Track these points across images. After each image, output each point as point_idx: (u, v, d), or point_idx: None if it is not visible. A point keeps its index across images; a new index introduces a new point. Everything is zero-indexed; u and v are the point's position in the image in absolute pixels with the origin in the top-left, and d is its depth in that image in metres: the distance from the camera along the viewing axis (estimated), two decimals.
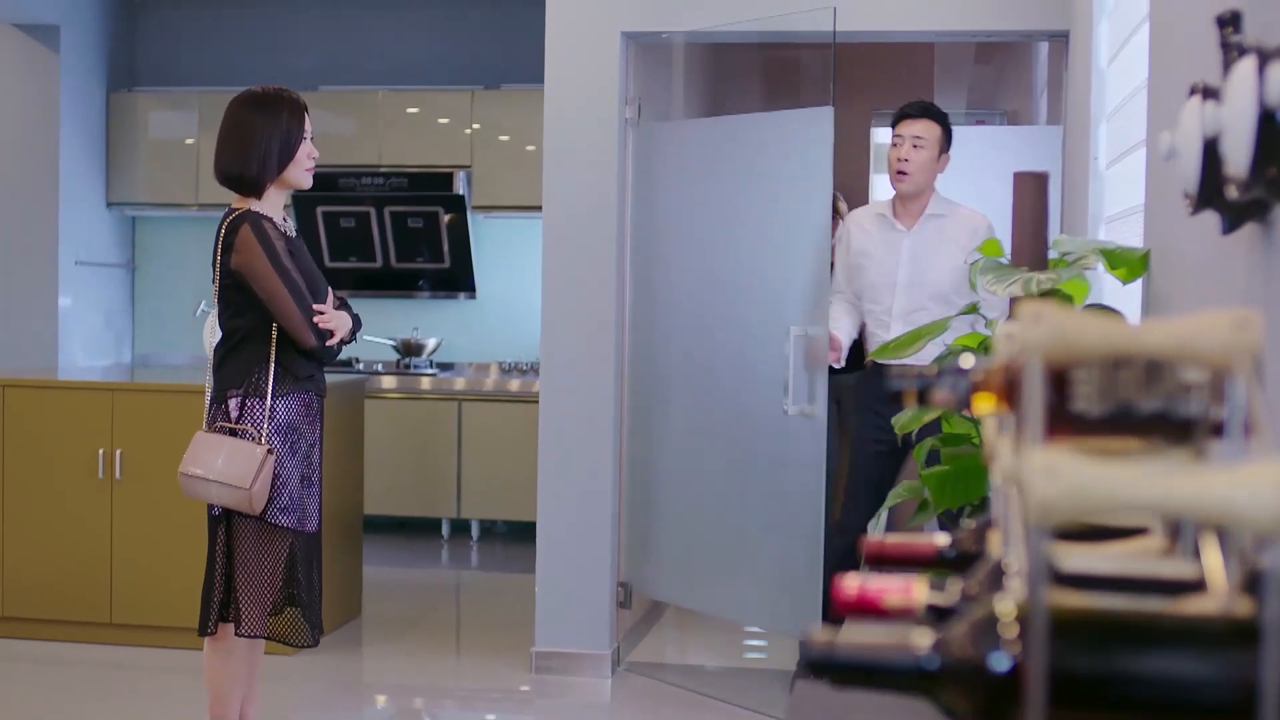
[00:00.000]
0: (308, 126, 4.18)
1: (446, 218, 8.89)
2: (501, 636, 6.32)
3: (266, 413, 4.05)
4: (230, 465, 4.00)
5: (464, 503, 8.59)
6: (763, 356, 5.31)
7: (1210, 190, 2.09)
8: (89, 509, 6.02)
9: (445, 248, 8.98)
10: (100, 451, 5.99)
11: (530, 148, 8.41)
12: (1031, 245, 3.35)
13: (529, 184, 7.78)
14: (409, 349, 8.96)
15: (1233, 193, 1.84)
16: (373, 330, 9.02)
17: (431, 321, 9.18)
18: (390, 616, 6.80)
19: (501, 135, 8.77)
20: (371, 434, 8.50)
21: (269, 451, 4.01)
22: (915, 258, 5.09)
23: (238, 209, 4.12)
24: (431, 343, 8.97)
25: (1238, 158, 1.75)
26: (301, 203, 8.67)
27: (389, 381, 8.71)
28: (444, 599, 7.70)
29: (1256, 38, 2.10)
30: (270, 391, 4.05)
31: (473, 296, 9.08)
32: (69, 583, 6.05)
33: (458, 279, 9.06)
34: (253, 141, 4.10)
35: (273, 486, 4.04)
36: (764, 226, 5.37)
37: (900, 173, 5.12)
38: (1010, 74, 8.50)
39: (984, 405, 1.31)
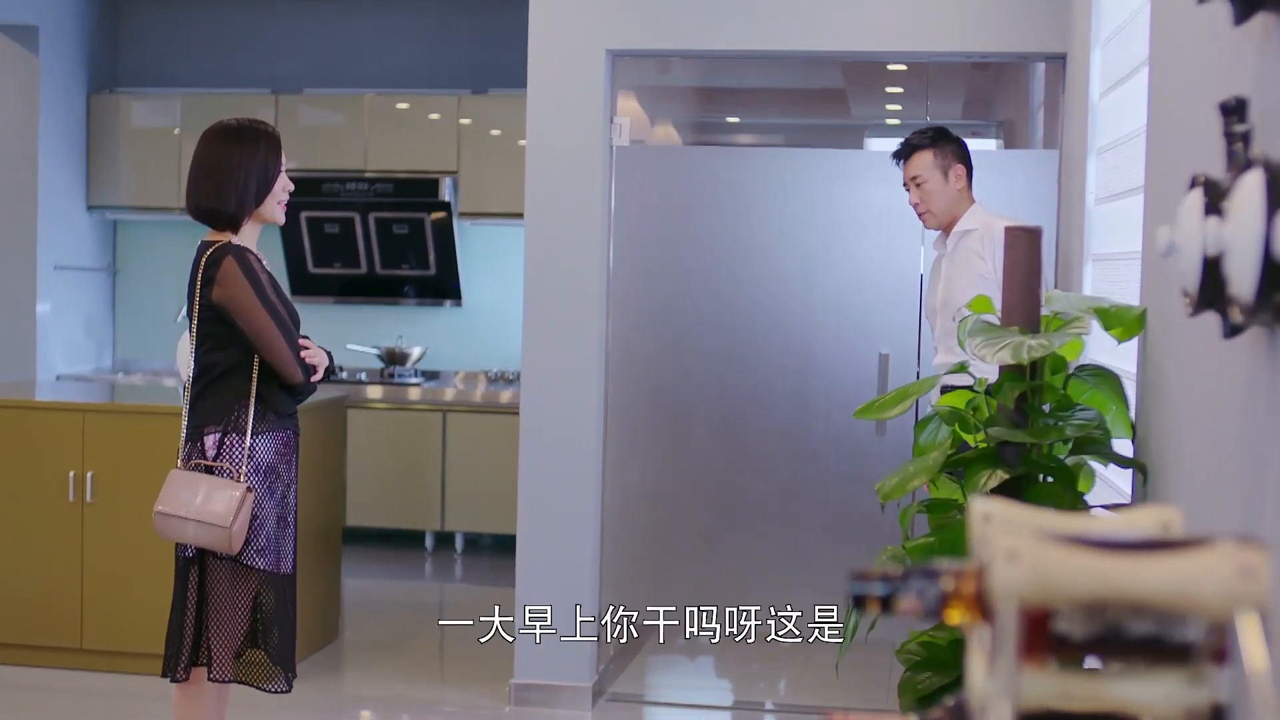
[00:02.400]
0: (283, 160, 4.04)
1: (432, 224, 8.73)
2: (482, 663, 6.18)
3: (246, 450, 3.92)
4: (209, 504, 3.86)
5: (448, 515, 8.46)
6: (851, 378, 5.59)
7: (1211, 293, 1.95)
8: (59, 532, 5.88)
9: (431, 254, 8.83)
10: (71, 473, 5.84)
11: (521, 142, 8.25)
12: (1023, 303, 3.21)
13: (516, 190, 7.62)
14: (393, 358, 8.81)
15: (1237, 316, 1.70)
16: (356, 338, 8.89)
17: (416, 329, 9.03)
18: (369, 641, 6.67)
19: (489, 141, 8.62)
20: (354, 444, 8.37)
21: (248, 489, 3.89)
22: (948, 278, 4.87)
23: (216, 241, 3.98)
24: (416, 351, 8.83)
25: (1243, 282, 1.62)
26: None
27: (373, 391, 8.57)
28: (425, 619, 7.56)
29: (1260, 132, 1.96)
30: (251, 429, 3.92)
31: (459, 304, 8.93)
32: (38, 607, 5.91)
33: (443, 286, 8.92)
34: (229, 176, 3.96)
35: (249, 527, 3.92)
36: (855, 258, 5.65)
37: (921, 215, 4.93)
38: (1007, 82, 8.34)
39: (956, 616, 1.17)
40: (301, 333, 4.15)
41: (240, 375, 3.95)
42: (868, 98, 8.60)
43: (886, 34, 5.44)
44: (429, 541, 8.69)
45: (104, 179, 8.98)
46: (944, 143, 4.88)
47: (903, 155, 4.90)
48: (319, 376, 4.03)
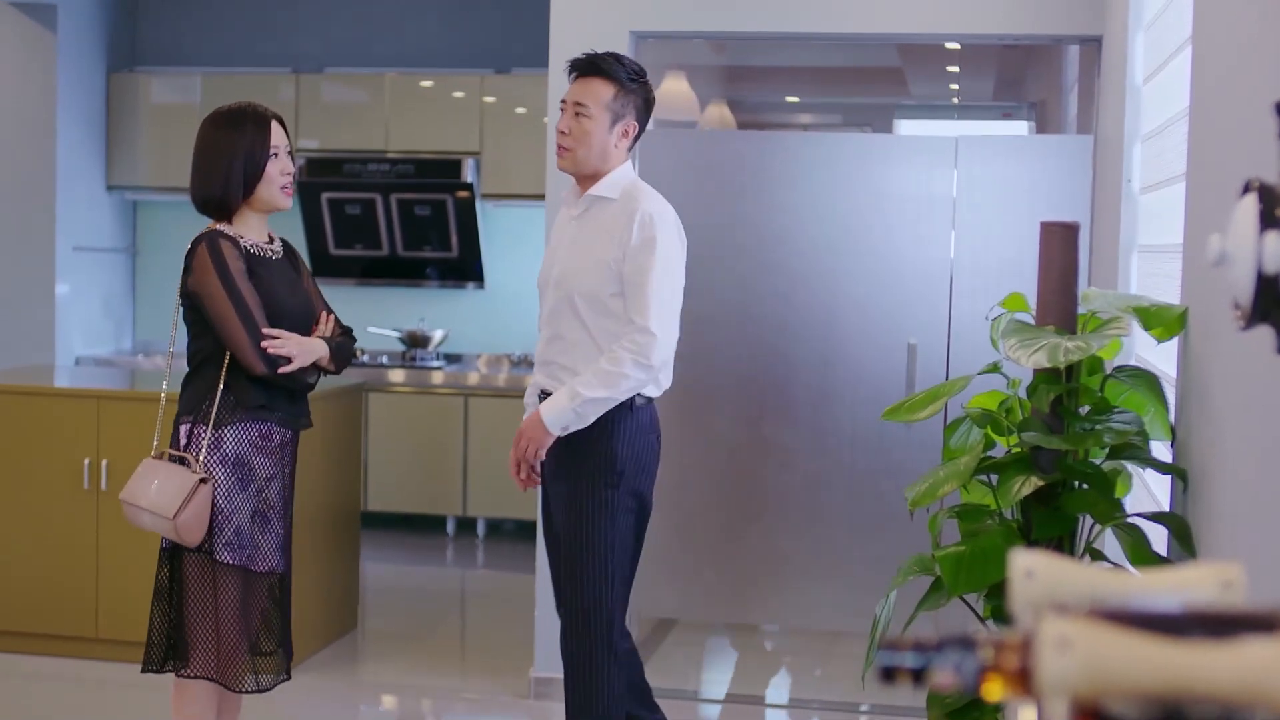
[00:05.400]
0: (275, 142, 3.91)
1: (454, 205, 8.62)
2: (502, 655, 6.10)
3: (207, 440, 3.83)
4: (160, 493, 3.79)
5: (470, 500, 8.37)
6: (878, 369, 5.44)
7: (1266, 307, 1.83)
8: (74, 520, 5.80)
9: (453, 236, 8.72)
10: (86, 461, 5.77)
11: (546, 120, 8.12)
12: (1059, 302, 3.09)
13: (539, 171, 7.51)
14: (415, 341, 8.71)
15: None
16: (378, 321, 8.80)
17: (439, 312, 8.93)
18: (388, 631, 6.59)
19: (512, 121, 8.50)
20: (375, 428, 8.29)
21: (202, 480, 3.78)
22: (573, 250, 4.05)
23: (207, 230, 3.90)
24: (438, 334, 8.73)
25: None
26: (306, 189, 8.42)
27: (394, 374, 8.48)
28: (446, 607, 7.47)
29: None
30: (215, 419, 3.83)
31: (481, 286, 8.83)
32: (53, 596, 5.85)
33: (466, 268, 8.81)
34: (215, 163, 3.87)
35: (216, 520, 3.82)
36: (882, 244, 5.47)
37: (559, 148, 4.05)
38: (1039, 62, 8.19)
39: (996, 692, 1.06)
40: (344, 324, 4.07)
41: (214, 365, 3.87)
42: (925, 77, 8.46)
43: (915, 15, 5.30)
44: (450, 527, 8.61)
45: (123, 159, 8.90)
46: (635, 90, 4.04)
47: (582, 71, 4.05)
48: (292, 368, 3.86)
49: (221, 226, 3.89)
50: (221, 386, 3.84)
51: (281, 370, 3.84)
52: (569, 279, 4.00)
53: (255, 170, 3.87)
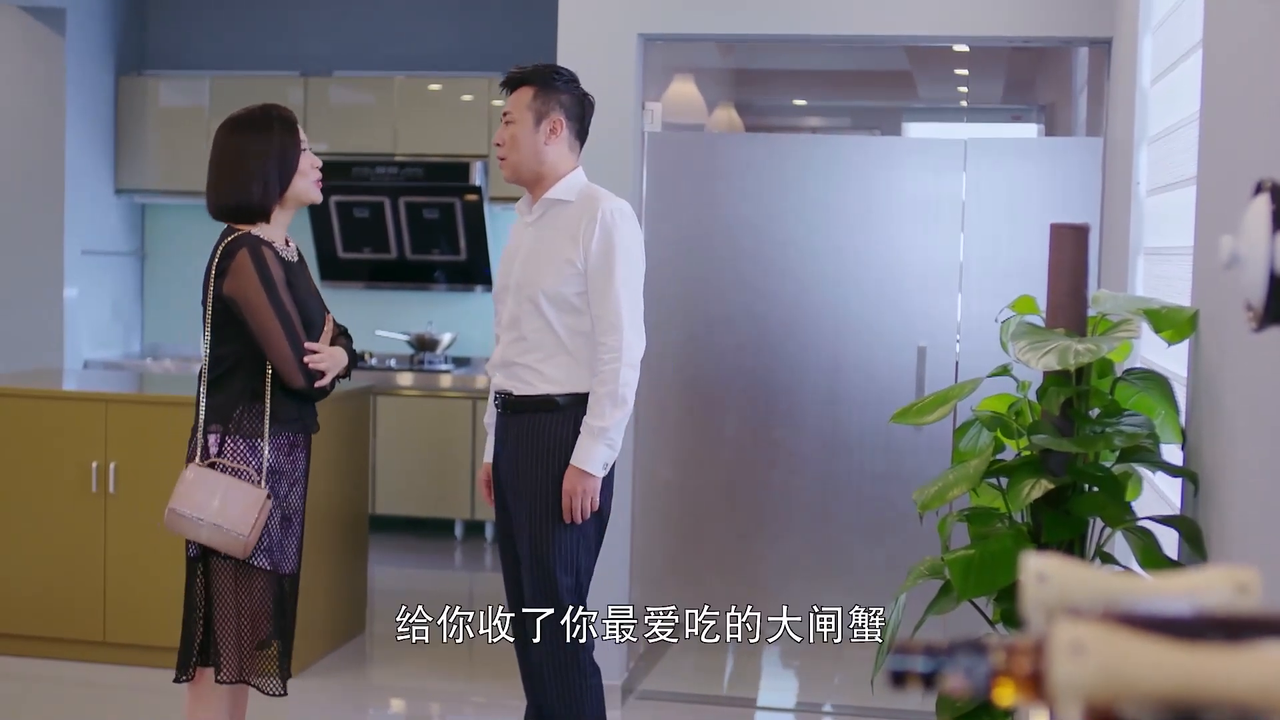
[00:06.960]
0: (303, 138, 3.92)
1: (463, 208, 8.62)
2: (510, 659, 6.03)
3: (264, 455, 3.82)
4: (229, 508, 3.77)
5: (478, 503, 8.36)
6: (887, 372, 5.43)
7: (1279, 309, 1.82)
8: (81, 523, 5.80)
9: (462, 239, 8.72)
10: (94, 464, 5.76)
11: None
12: (1069, 304, 3.08)
13: None
14: (423, 344, 8.71)
15: None
16: (386, 324, 8.79)
17: (447, 315, 8.93)
18: (395, 635, 6.57)
19: None
20: (384, 431, 8.28)
21: (268, 496, 3.80)
22: (533, 252, 4.08)
23: (239, 230, 3.86)
24: (447, 338, 8.72)
25: None
26: None
27: (403, 378, 8.47)
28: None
29: None
30: (255, 430, 3.82)
31: (490, 289, 8.82)
32: (60, 599, 5.84)
33: (475, 271, 8.81)
34: (248, 167, 3.84)
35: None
36: (892, 247, 5.46)
37: (499, 159, 4.14)
38: (1049, 65, 8.18)
39: (1007, 697, 1.05)
40: (340, 323, 4.05)
41: (246, 373, 3.85)
42: (934, 80, 8.45)
43: (923, 18, 5.29)
44: (459, 530, 8.60)
45: (132, 162, 8.90)
46: (555, 87, 4.08)
47: (507, 88, 4.14)
48: (325, 381, 3.90)
49: (257, 231, 3.87)
50: (264, 400, 3.83)
51: (317, 385, 3.85)
52: (532, 282, 4.02)
53: (290, 168, 3.86)
